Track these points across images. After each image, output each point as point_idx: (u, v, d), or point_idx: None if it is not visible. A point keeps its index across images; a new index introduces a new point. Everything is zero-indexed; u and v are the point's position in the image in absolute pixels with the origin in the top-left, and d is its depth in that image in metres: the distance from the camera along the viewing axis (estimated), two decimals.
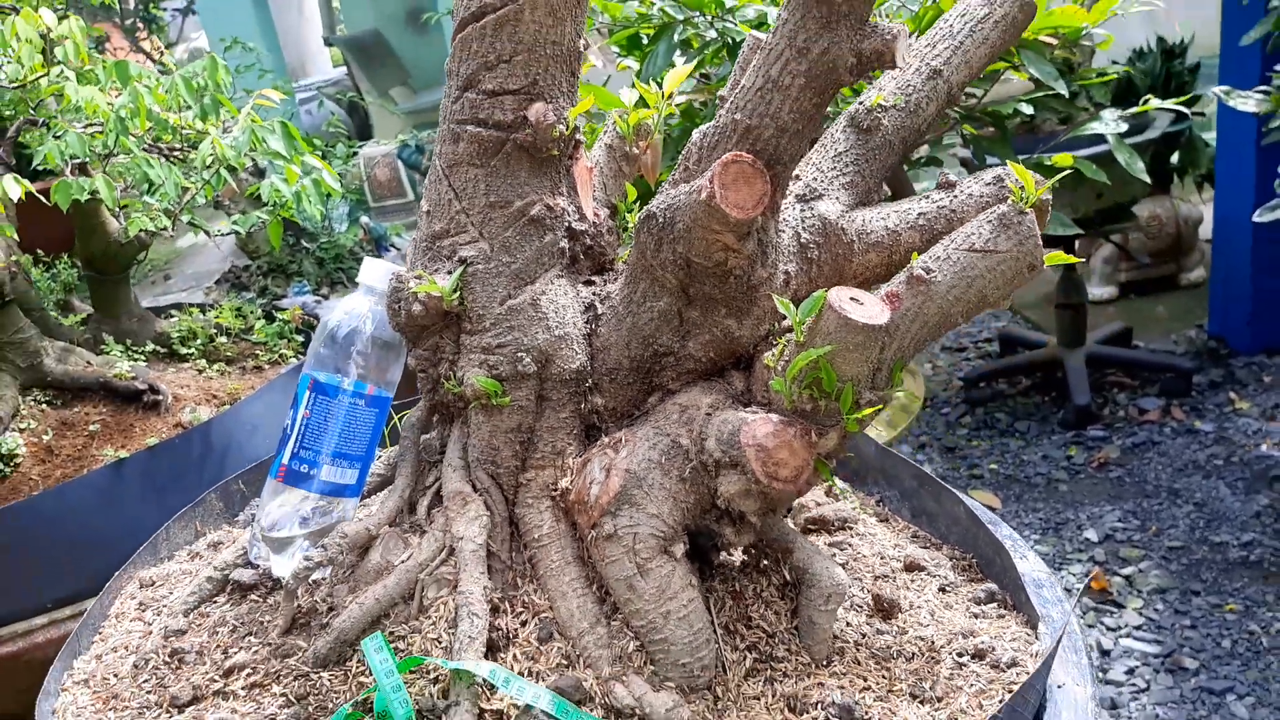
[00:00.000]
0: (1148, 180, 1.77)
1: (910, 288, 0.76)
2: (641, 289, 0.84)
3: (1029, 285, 2.99)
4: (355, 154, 4.06)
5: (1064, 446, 2.86)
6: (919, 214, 0.89)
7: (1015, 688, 0.82)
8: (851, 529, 1.14)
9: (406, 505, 0.89)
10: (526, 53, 0.80)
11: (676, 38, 1.67)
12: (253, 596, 0.90)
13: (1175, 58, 3.57)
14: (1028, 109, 1.81)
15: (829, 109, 0.80)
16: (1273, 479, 2.53)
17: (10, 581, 1.71)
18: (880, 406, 0.78)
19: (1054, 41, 1.80)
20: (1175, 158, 3.66)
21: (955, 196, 0.88)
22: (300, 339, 2.33)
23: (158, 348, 2.21)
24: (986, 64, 0.94)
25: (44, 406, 1.96)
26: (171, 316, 2.40)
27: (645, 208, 0.81)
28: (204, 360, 2.19)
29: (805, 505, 1.16)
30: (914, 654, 0.89)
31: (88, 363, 2.01)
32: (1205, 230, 3.62)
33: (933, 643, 0.91)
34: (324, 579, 0.85)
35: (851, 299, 0.76)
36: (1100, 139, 1.76)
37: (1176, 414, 2.91)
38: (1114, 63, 3.74)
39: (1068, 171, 1.74)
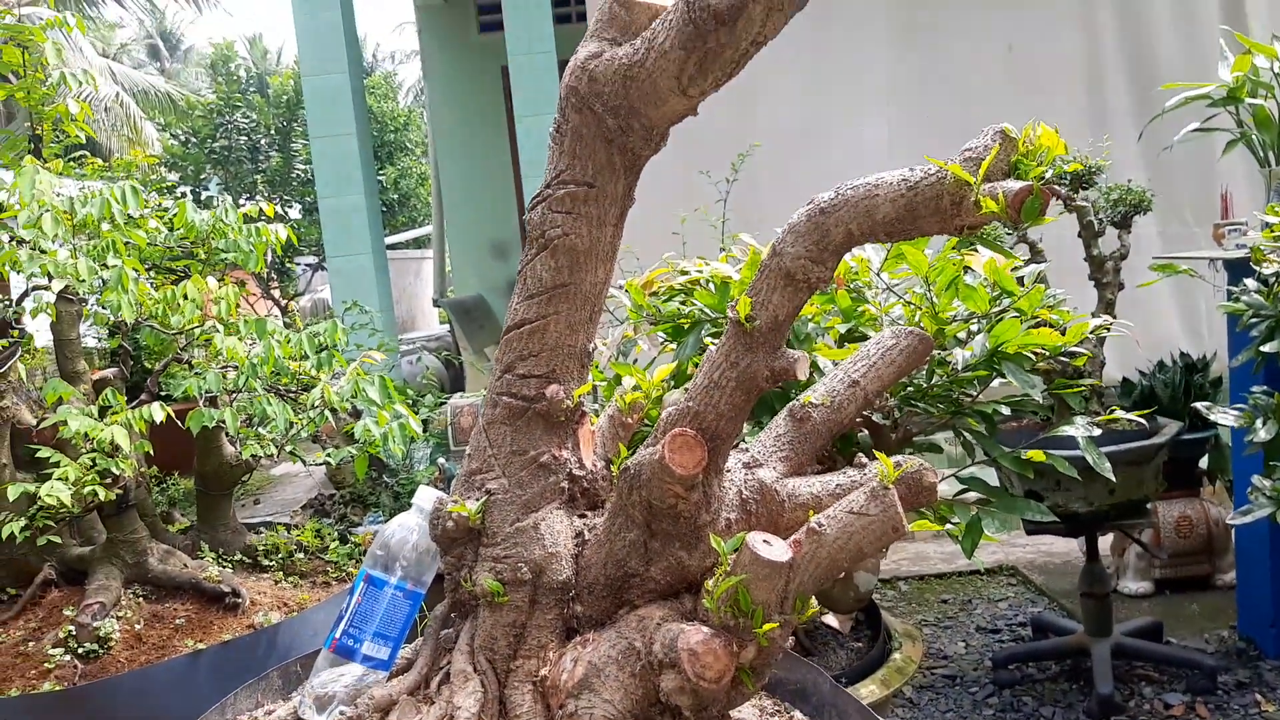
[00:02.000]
0: (1112, 478, 2.00)
1: (808, 537, 1.02)
2: (618, 523, 1.12)
3: (1065, 575, 3.14)
4: (443, 403, 4.52)
5: None
6: (836, 484, 1.16)
7: None
8: None
9: (423, 680, 1.13)
10: (549, 352, 1.14)
11: (704, 332, 2.04)
12: None
13: (1197, 372, 3.85)
14: (1005, 410, 2.09)
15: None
16: None
17: None
18: (783, 626, 1.02)
19: (1038, 354, 2.12)
20: (1204, 462, 3.85)
21: (864, 473, 1.16)
22: None
23: (244, 558, 2.52)
24: (896, 379, 1.24)
25: (140, 600, 2.26)
26: (261, 532, 2.74)
27: (623, 463, 1.11)
28: (281, 572, 2.49)
29: None
30: None
31: (184, 565, 2.33)
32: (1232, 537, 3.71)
33: None
34: None
35: (764, 541, 1.02)
36: (1061, 440, 2.02)
37: (1201, 711, 2.93)
38: (1141, 372, 4.04)
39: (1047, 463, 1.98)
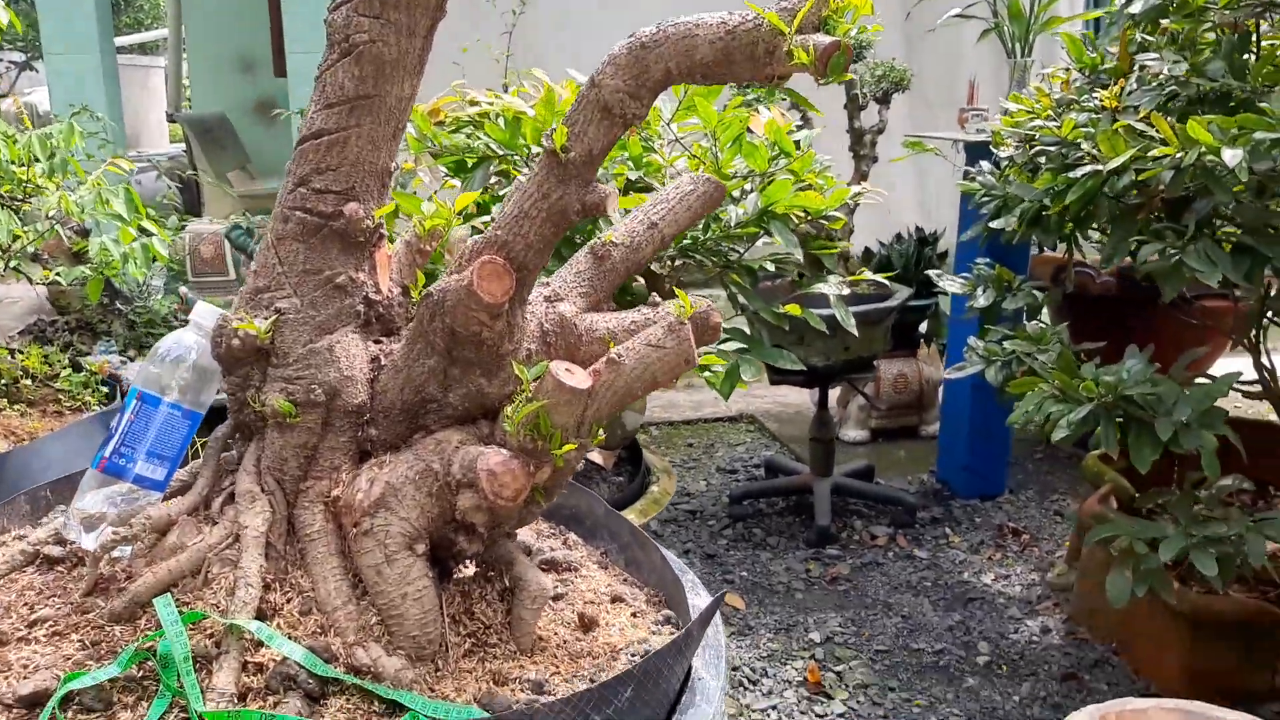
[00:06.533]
0: (855, 333, 2.21)
1: (607, 367, 1.07)
2: (417, 349, 1.11)
3: (797, 424, 3.42)
4: (183, 228, 4.15)
5: (805, 561, 3.25)
6: (631, 321, 1.21)
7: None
8: (576, 571, 1.41)
9: (203, 502, 1.10)
10: (349, 167, 1.08)
11: (493, 168, 2.00)
12: (59, 568, 1.08)
13: (928, 245, 4.24)
14: (770, 266, 2.23)
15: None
16: (967, 600, 2.99)
17: None
18: (579, 448, 1.07)
19: (800, 216, 2.25)
20: (923, 327, 4.30)
21: (656, 312, 1.21)
22: (105, 390, 2.44)
23: None
24: (691, 223, 1.29)
25: None
26: None
27: (425, 289, 1.09)
28: (5, 399, 2.26)
29: (541, 549, 1.43)
30: (599, 654, 1.16)
31: None
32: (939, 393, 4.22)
33: (615, 646, 1.18)
34: (124, 554, 1.04)
35: (566, 370, 1.06)
36: (816, 296, 2.19)
37: (901, 541, 3.37)
38: (880, 242, 4.40)
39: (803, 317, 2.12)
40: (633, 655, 1.16)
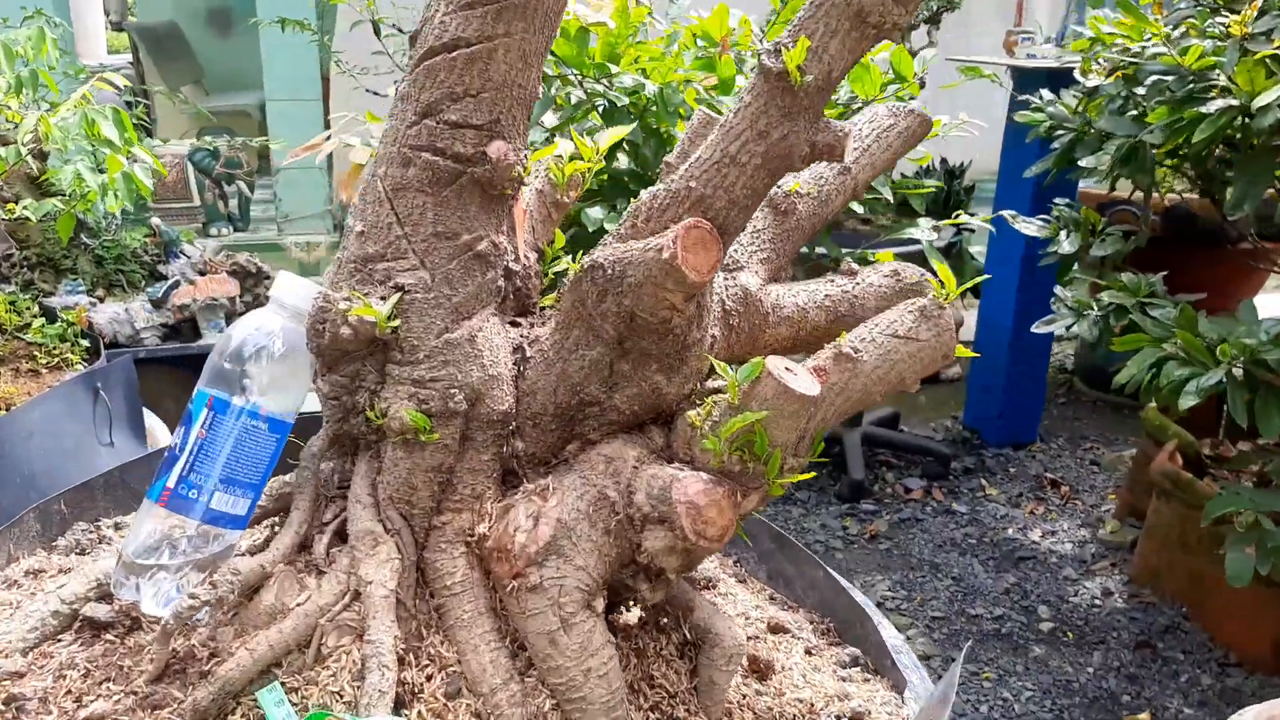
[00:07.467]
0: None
1: (838, 364, 0.81)
2: (574, 336, 0.84)
3: None
4: None
5: (840, 517, 3.06)
6: (825, 295, 0.95)
7: None
8: (714, 589, 1.18)
9: (301, 542, 0.83)
10: (494, 91, 0.79)
11: (553, 91, 1.70)
12: (108, 636, 0.80)
13: (955, 178, 4.00)
14: (859, 208, 1.97)
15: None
16: (1018, 560, 2.83)
17: None
18: (799, 472, 0.82)
19: None
20: None
21: (857, 284, 0.96)
22: (86, 344, 2.12)
23: None
24: (888, 166, 1.03)
25: None
26: None
27: (590, 257, 0.82)
28: None
29: None
30: (795, 715, 0.93)
31: None
32: (963, 333, 4.03)
33: (811, 704, 0.95)
34: (204, 620, 0.77)
35: (786, 369, 0.80)
36: (904, 241, 1.95)
37: (937, 494, 3.20)
38: (903, 175, 4.14)
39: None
40: (838, 718, 0.93)
